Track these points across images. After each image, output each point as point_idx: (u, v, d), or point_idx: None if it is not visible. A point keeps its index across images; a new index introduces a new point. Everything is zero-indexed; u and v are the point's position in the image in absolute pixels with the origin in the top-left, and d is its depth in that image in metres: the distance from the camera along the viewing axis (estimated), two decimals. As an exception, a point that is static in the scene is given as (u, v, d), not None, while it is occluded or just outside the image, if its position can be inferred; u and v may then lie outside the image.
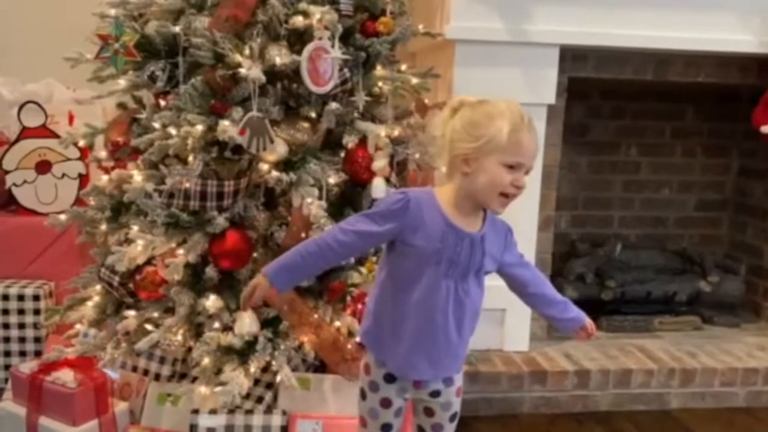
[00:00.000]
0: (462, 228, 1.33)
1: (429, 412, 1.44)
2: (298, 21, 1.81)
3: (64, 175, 2.52)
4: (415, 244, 1.31)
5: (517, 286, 1.46)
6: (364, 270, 1.90)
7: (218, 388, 1.74)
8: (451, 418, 1.46)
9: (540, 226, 2.51)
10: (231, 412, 1.81)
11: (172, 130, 1.81)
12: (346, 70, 1.90)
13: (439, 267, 1.31)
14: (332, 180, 1.85)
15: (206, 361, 1.79)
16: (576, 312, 1.49)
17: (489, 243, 1.35)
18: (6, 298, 2.35)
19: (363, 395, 1.44)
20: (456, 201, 1.33)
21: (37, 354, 2.31)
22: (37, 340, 2.38)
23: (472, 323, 1.40)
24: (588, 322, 1.50)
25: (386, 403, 1.41)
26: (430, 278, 1.32)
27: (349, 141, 1.90)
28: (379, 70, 1.99)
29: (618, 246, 2.96)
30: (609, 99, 3.03)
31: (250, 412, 1.83)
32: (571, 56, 2.45)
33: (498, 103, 1.34)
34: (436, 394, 1.42)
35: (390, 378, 1.40)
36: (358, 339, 1.73)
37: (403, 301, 1.34)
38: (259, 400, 1.89)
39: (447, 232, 1.31)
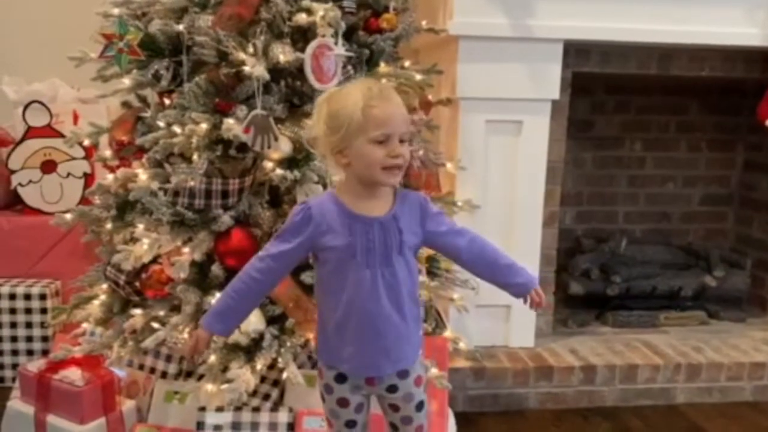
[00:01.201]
0: (367, 215, 1.33)
1: (394, 407, 1.44)
2: (302, 18, 1.81)
3: (69, 174, 2.53)
4: (328, 246, 1.32)
5: (452, 255, 1.43)
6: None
7: (225, 386, 1.74)
8: (418, 408, 1.44)
9: (545, 222, 2.51)
10: (238, 409, 1.81)
11: (177, 129, 1.81)
12: (349, 67, 1.90)
13: (357, 259, 1.32)
14: (336, 177, 1.85)
15: (212, 358, 1.79)
16: (526, 277, 1.43)
17: (403, 220, 1.34)
18: (13, 297, 2.37)
19: (322, 398, 1.45)
20: (353, 192, 1.34)
21: (45, 353, 2.32)
22: (44, 339, 2.39)
23: (412, 304, 1.39)
24: (534, 293, 1.42)
25: (343, 402, 1.41)
26: (354, 273, 1.32)
27: (353, 138, 1.90)
28: (382, 67, 1.99)
29: (623, 241, 2.96)
30: (613, 94, 3.02)
31: (256, 409, 1.83)
32: (574, 51, 2.44)
33: (348, 87, 1.35)
34: (392, 389, 1.41)
35: (341, 378, 1.40)
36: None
37: (338, 304, 1.34)
38: (266, 397, 1.89)
39: (352, 223, 1.32)
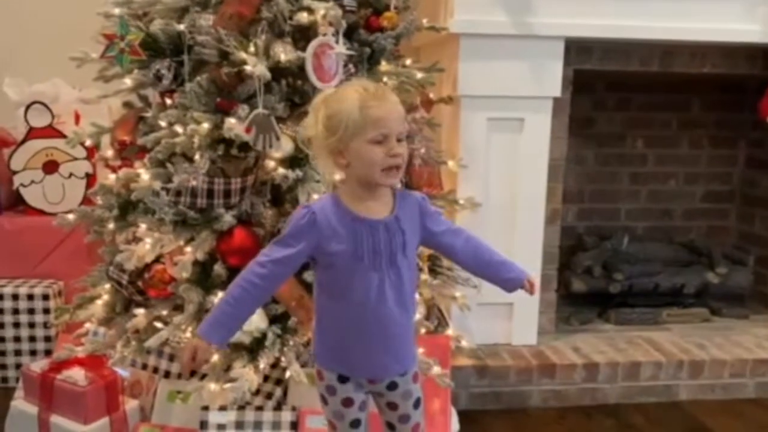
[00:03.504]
0: (371, 217, 1.33)
1: (392, 406, 1.44)
2: (303, 17, 1.81)
3: (71, 174, 2.53)
4: (334, 251, 1.31)
5: (448, 254, 1.47)
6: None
7: (228, 385, 1.74)
8: (415, 405, 1.45)
9: (547, 219, 2.51)
10: (241, 408, 1.82)
11: (179, 129, 1.81)
12: (350, 65, 1.90)
13: (364, 262, 1.31)
14: (338, 176, 1.85)
15: (215, 358, 1.79)
16: (517, 271, 1.47)
17: (405, 221, 1.36)
18: (16, 297, 2.37)
19: (324, 400, 1.43)
20: (353, 194, 1.34)
21: (48, 353, 2.32)
22: (47, 339, 2.40)
23: (413, 303, 1.41)
24: (526, 281, 1.47)
25: (348, 402, 1.41)
26: (361, 276, 1.32)
27: (355, 137, 1.90)
28: (383, 66, 1.99)
29: (625, 239, 2.96)
30: (615, 91, 3.02)
31: (259, 408, 1.84)
32: (576, 49, 2.44)
33: (345, 88, 1.36)
34: (393, 386, 1.41)
35: (343, 378, 1.39)
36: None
37: (344, 309, 1.34)
38: (269, 396, 1.89)
39: (358, 227, 1.32)
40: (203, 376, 1.86)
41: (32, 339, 2.40)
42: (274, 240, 1.36)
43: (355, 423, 1.43)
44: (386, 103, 1.30)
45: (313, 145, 1.37)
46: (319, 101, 1.35)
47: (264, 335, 1.80)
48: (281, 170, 1.79)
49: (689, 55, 2.55)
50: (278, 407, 1.85)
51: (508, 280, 1.47)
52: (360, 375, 1.39)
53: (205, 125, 1.77)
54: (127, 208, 1.96)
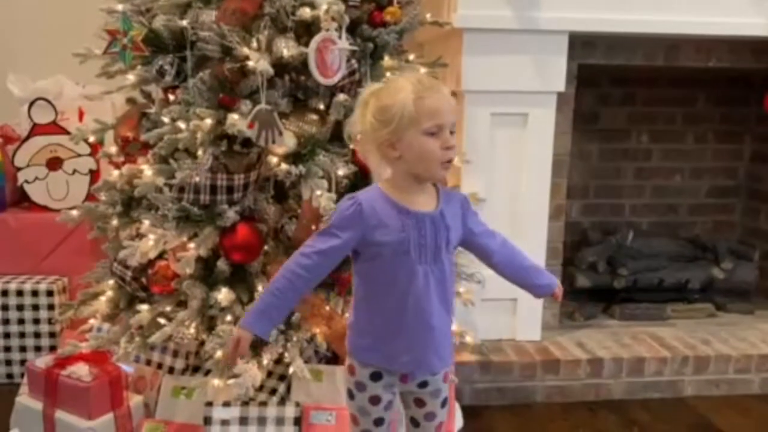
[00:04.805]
0: (418, 210, 1.33)
1: (420, 402, 1.44)
2: (305, 12, 1.81)
3: (75, 171, 2.54)
4: (380, 242, 1.31)
5: (484, 256, 1.46)
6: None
7: (231, 381, 1.75)
8: (442, 404, 1.45)
9: (551, 215, 2.50)
10: (245, 404, 1.82)
11: (182, 125, 1.81)
12: (353, 61, 1.89)
13: (410, 255, 1.31)
14: (341, 172, 1.85)
15: (219, 353, 1.79)
16: (547, 279, 1.50)
17: (449, 217, 1.36)
18: (20, 293, 2.38)
19: (351, 395, 1.42)
20: (402, 186, 1.33)
21: (52, 349, 2.33)
22: (51, 335, 2.40)
23: (453, 299, 1.42)
24: (557, 290, 1.51)
25: (375, 400, 1.40)
26: (406, 269, 1.31)
27: (358, 132, 1.90)
28: (387, 61, 1.98)
29: (630, 234, 2.95)
30: (619, 86, 3.01)
31: (263, 404, 1.84)
32: (580, 43, 2.43)
33: (397, 79, 1.36)
34: (423, 384, 1.41)
35: (376, 376, 1.39)
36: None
37: (388, 302, 1.33)
38: (273, 392, 1.90)
39: (405, 219, 1.31)
40: (207, 372, 1.87)
41: (37, 335, 2.40)
42: (319, 232, 1.35)
43: (379, 421, 1.43)
44: (440, 95, 1.30)
45: (363, 139, 1.35)
46: (368, 94, 1.33)
47: (267, 331, 1.80)
48: (284, 166, 1.79)
49: (694, 49, 2.54)
50: (282, 403, 1.85)
51: (540, 286, 1.50)
52: (397, 369, 1.38)
53: (208, 121, 1.76)
54: (131, 204, 1.97)
